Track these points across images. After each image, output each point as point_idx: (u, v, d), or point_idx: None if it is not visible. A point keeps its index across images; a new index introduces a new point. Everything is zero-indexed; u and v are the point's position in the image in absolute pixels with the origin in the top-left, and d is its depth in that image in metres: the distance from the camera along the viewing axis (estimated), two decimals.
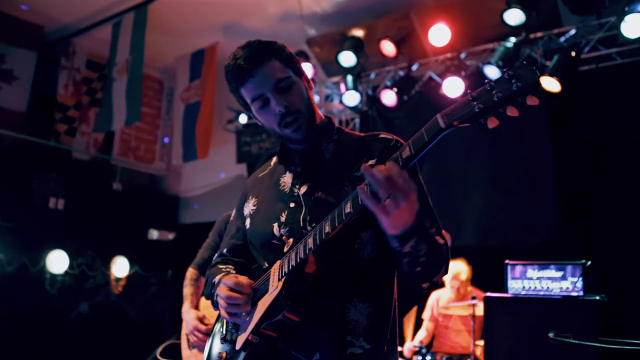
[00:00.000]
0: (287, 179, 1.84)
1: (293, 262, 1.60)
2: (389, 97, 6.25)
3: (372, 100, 6.66)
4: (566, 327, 3.82)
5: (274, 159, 1.99)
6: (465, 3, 5.94)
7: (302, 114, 1.73)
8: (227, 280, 1.70)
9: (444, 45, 5.90)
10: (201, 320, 3.10)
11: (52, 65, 7.38)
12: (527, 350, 4.06)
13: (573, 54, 5.28)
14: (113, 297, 7.78)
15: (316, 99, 7.17)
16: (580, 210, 5.37)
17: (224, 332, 1.82)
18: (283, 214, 1.77)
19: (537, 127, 5.55)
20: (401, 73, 6.42)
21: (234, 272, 1.86)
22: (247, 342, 1.66)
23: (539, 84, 1.28)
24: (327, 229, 1.53)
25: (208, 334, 2.90)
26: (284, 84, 1.72)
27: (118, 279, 7.79)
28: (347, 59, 6.36)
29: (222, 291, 1.69)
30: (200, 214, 8.45)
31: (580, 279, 4.04)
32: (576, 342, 3.61)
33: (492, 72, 5.58)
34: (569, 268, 4.13)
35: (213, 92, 7.45)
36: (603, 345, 3.43)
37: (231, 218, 2.06)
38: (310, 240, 1.57)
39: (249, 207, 1.93)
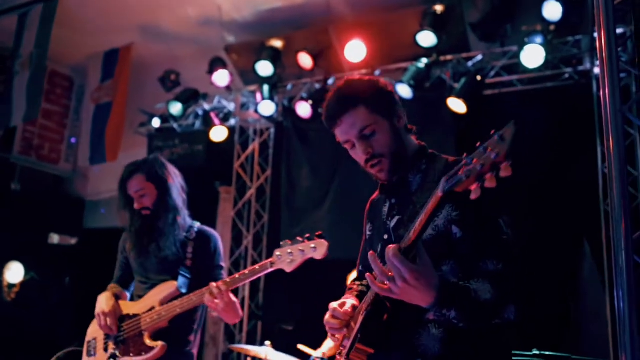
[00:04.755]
0: (385, 209, 1.94)
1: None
2: (304, 109, 6.30)
3: (287, 111, 6.68)
4: None
5: None
6: (382, 22, 6.11)
7: (385, 157, 1.82)
8: (332, 305, 1.90)
9: (360, 61, 6.02)
10: (114, 308, 2.97)
11: None
12: None
13: (479, 78, 5.57)
14: (5, 304, 7.30)
15: (231, 106, 7.11)
16: None
17: None
18: (379, 246, 1.87)
19: (443, 147, 5.79)
20: (317, 86, 6.50)
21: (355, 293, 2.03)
22: None
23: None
24: None
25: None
26: (367, 132, 1.81)
27: (11, 285, 7.32)
28: (265, 68, 6.36)
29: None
30: (106, 218, 8.10)
31: None
32: None
33: (404, 90, 5.76)
34: None
35: (126, 94, 7.22)
36: None
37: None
38: None
39: (366, 232, 2.09)
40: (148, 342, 2.83)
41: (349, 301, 1.89)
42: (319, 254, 2.52)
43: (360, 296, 1.96)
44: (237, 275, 2.72)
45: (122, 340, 2.91)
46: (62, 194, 8.40)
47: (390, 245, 1.49)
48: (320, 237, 2.56)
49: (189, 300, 2.79)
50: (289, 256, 2.58)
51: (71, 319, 7.44)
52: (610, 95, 1.90)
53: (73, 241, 8.18)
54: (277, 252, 2.62)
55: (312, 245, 2.54)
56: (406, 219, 1.80)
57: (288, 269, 2.59)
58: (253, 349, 4.60)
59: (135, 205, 3.01)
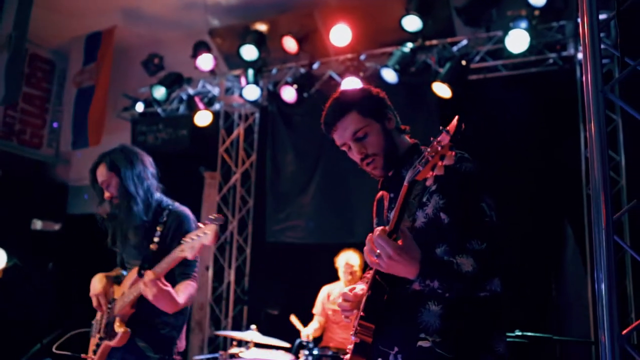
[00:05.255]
0: (386, 202, 2.13)
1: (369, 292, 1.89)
2: (288, 93, 6.27)
3: (272, 95, 6.65)
4: None
5: None
6: (367, 6, 6.08)
7: (378, 155, 2.01)
8: (343, 290, 2.13)
9: (345, 45, 6.00)
10: (104, 289, 2.96)
11: None
12: None
13: (464, 63, 5.56)
14: None
15: (216, 91, 7.06)
16: None
17: None
18: None
19: (428, 131, 5.79)
20: (302, 70, 6.46)
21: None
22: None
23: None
24: None
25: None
26: (360, 134, 2.00)
27: None
28: (249, 52, 6.31)
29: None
30: (90, 204, 8.02)
31: None
32: None
33: (389, 75, 5.75)
34: None
35: (108, 78, 7.13)
36: None
37: None
38: None
39: (374, 226, 2.20)
40: (117, 326, 2.82)
41: (359, 286, 2.09)
42: (207, 240, 2.46)
43: None
44: (161, 264, 2.67)
45: (107, 323, 2.91)
46: (45, 179, 8.29)
47: (377, 228, 1.71)
48: (216, 220, 2.47)
49: (136, 288, 2.75)
50: (192, 242, 2.52)
51: (54, 304, 7.40)
52: (593, 78, 1.90)
53: (56, 227, 8.09)
54: (186, 238, 2.56)
55: (205, 231, 2.47)
56: None
57: (190, 255, 2.54)
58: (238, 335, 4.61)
59: (105, 195, 2.97)
